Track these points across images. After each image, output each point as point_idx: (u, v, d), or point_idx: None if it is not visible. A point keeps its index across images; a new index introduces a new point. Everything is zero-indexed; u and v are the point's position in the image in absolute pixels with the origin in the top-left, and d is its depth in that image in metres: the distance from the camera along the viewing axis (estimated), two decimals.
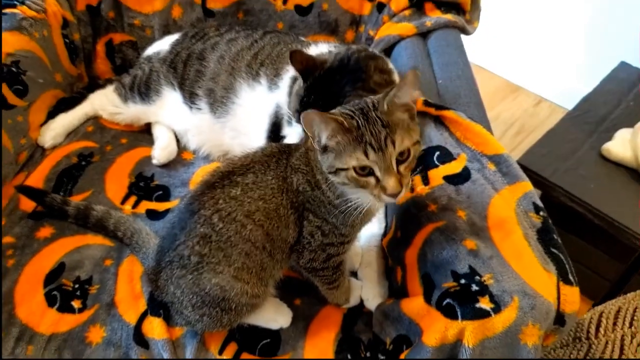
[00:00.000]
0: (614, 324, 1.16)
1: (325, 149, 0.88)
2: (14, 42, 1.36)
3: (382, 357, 1.03)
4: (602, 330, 1.17)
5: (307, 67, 1.21)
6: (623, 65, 2.08)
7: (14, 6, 1.41)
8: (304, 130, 0.90)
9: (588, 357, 1.15)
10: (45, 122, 1.48)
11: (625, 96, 1.93)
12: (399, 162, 0.86)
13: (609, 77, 2.03)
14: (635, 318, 1.14)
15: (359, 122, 0.84)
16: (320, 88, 1.19)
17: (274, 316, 1.10)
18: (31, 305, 1.09)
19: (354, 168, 0.85)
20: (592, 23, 2.36)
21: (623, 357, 1.08)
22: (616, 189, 1.61)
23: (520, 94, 2.72)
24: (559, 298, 0.91)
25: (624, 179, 1.64)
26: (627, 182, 1.63)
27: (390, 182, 0.85)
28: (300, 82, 1.24)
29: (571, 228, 1.67)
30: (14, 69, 1.34)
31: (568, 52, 2.51)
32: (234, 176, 0.98)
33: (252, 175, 0.97)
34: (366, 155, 0.84)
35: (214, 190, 0.97)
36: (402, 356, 0.97)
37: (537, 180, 1.64)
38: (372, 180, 0.86)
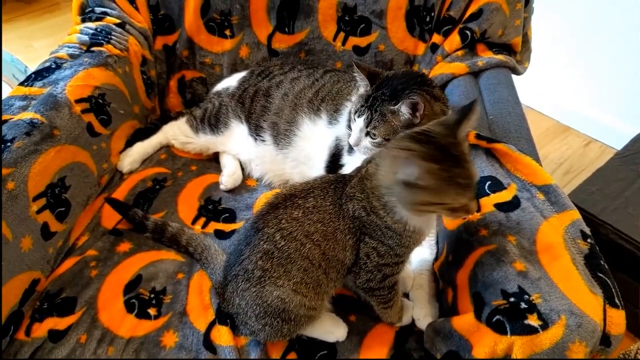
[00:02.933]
0: None
1: (408, 185, 0.90)
2: (100, 77, 1.47)
3: None
4: None
5: (370, 72, 1.33)
6: None
7: (101, 45, 1.54)
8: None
9: None
10: (124, 149, 1.59)
11: None
12: None
13: None
14: None
15: (449, 164, 0.88)
16: (387, 84, 1.29)
17: (331, 329, 1.13)
18: (112, 311, 1.17)
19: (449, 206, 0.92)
20: None
21: None
22: None
23: (569, 134, 2.69)
24: (605, 319, 0.92)
25: None
26: None
27: (474, 205, 0.94)
28: (362, 90, 1.35)
29: (620, 266, 1.60)
30: (100, 101, 1.44)
31: (618, 93, 2.49)
32: (296, 199, 1.05)
33: (313, 200, 1.04)
34: (464, 195, 0.91)
35: (277, 211, 1.05)
36: None
37: (585, 217, 1.55)
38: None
